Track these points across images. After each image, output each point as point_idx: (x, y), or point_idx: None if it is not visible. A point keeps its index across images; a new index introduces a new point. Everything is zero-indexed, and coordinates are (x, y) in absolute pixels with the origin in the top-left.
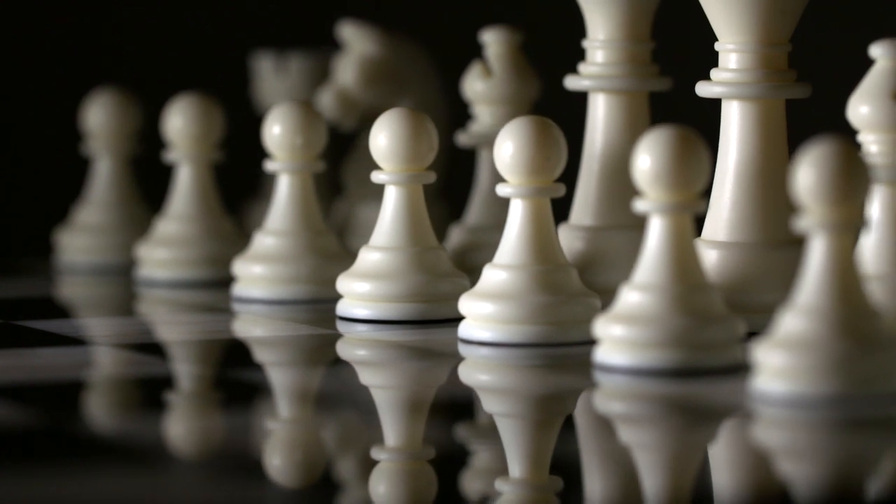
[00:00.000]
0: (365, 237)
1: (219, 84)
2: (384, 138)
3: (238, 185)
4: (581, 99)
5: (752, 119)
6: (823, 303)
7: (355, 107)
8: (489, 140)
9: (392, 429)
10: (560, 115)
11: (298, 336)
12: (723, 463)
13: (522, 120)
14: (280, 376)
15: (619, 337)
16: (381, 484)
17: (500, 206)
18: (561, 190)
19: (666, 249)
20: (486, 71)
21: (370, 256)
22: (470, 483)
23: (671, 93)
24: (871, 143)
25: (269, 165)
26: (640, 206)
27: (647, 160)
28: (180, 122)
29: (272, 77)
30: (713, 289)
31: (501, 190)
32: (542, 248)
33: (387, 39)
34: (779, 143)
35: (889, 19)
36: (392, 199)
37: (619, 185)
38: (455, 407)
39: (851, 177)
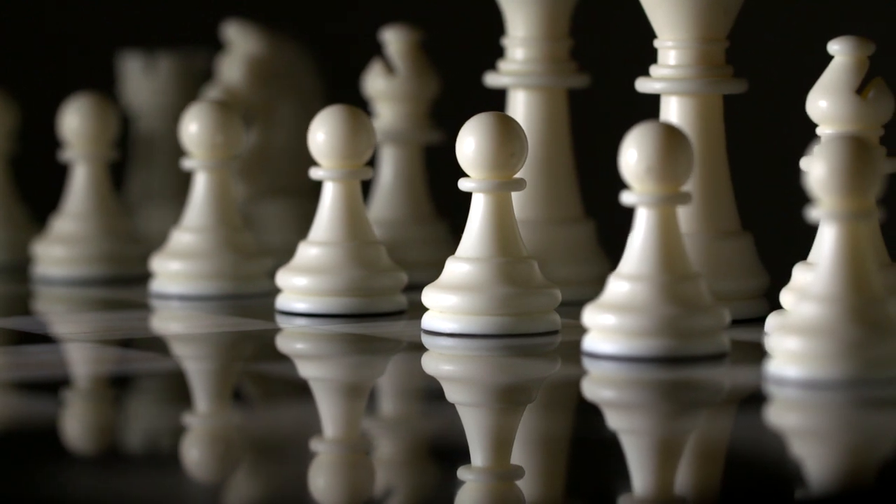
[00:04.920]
0: (256, 234)
1: (86, 83)
2: (323, 135)
3: None
4: (497, 96)
5: (691, 114)
6: (836, 290)
7: (241, 106)
8: (390, 137)
9: (330, 420)
10: (473, 112)
11: (231, 331)
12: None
13: (484, 116)
14: (213, 370)
15: (609, 326)
16: (319, 476)
17: (402, 202)
18: (522, 184)
19: (653, 241)
20: (388, 68)
21: (309, 251)
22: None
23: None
24: None
25: (187, 163)
26: (627, 198)
27: (634, 154)
28: (76, 122)
29: (140, 77)
30: (700, 278)
31: (464, 184)
32: (504, 240)
33: (271, 38)
34: (716, 137)
35: (824, 18)
36: (330, 195)
37: (539, 179)
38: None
39: (861, 169)
